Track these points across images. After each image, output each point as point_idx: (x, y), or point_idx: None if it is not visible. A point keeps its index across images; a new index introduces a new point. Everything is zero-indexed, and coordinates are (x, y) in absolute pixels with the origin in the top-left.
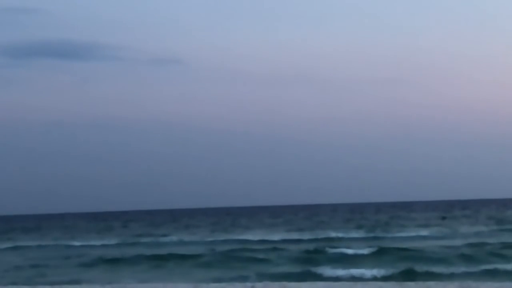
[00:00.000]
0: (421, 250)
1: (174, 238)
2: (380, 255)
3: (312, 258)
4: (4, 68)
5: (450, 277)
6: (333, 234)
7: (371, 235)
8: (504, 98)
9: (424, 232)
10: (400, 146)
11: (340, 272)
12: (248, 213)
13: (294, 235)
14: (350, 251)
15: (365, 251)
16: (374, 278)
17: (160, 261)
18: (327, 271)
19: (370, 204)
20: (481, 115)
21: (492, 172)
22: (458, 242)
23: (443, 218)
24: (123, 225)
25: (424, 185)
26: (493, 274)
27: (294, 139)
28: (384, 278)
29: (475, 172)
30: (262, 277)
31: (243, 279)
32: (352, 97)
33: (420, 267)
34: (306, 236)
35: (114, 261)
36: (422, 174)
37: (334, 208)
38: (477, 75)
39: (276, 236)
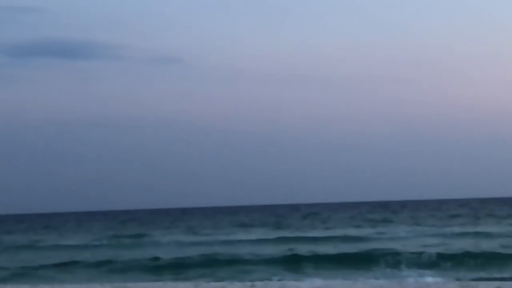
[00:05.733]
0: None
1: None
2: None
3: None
4: (5, 67)
5: None
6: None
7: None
8: (505, 96)
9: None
10: (403, 145)
11: None
12: (247, 212)
13: (282, 234)
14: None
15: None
16: None
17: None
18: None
19: (369, 203)
20: (486, 114)
21: (497, 171)
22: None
23: None
24: (118, 224)
25: (428, 184)
26: None
27: (296, 138)
28: None
29: (479, 171)
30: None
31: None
32: (354, 96)
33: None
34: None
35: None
36: (425, 173)
37: (335, 207)
38: (481, 74)
39: (254, 236)
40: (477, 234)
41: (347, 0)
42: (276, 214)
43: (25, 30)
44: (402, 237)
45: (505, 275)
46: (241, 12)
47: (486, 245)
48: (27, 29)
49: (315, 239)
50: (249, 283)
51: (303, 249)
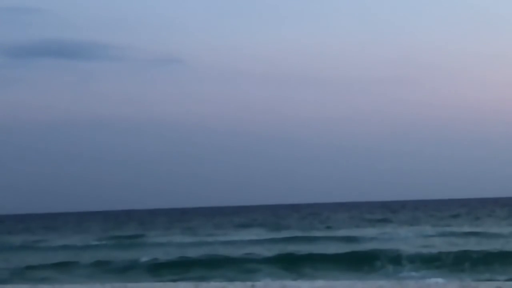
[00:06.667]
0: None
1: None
2: None
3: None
4: (5, 68)
5: None
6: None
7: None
8: (505, 96)
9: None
10: (402, 145)
11: None
12: (247, 212)
13: (274, 235)
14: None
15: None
16: None
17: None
18: None
19: (368, 203)
20: (485, 115)
21: (496, 171)
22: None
23: None
24: (117, 225)
25: (423, 184)
26: None
27: (295, 138)
28: None
29: (479, 171)
30: None
31: None
32: (354, 97)
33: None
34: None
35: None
36: (425, 173)
37: (335, 207)
38: (481, 74)
39: (250, 237)
40: (477, 234)
41: (347, 1)
42: (276, 214)
43: (26, 31)
44: (403, 237)
45: (506, 275)
46: (242, 13)
47: (487, 245)
48: (28, 30)
49: (315, 239)
50: (249, 283)
51: (303, 249)
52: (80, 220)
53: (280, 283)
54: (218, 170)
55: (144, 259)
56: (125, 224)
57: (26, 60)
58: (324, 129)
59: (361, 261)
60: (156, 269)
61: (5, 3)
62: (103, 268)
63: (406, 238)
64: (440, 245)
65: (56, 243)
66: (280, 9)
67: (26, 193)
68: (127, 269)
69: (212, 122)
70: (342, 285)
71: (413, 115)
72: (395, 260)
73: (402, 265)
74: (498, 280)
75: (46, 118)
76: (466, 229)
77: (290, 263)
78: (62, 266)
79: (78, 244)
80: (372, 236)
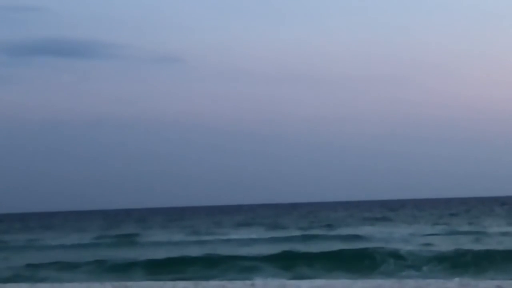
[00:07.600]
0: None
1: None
2: None
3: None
4: (5, 66)
5: None
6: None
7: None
8: (503, 96)
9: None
10: (401, 145)
11: None
12: (246, 211)
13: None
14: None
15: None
16: None
17: None
18: None
19: (368, 202)
20: (480, 114)
21: (491, 170)
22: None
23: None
24: (116, 223)
25: (423, 183)
26: None
27: (295, 138)
28: None
29: (474, 171)
30: None
31: None
32: (353, 96)
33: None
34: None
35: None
36: (425, 173)
37: (334, 206)
38: (476, 73)
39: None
40: (476, 233)
41: (347, 1)
42: (275, 213)
43: (25, 29)
44: (402, 236)
45: (506, 274)
46: (242, 13)
47: (486, 244)
48: (27, 28)
49: (314, 238)
50: (249, 282)
51: (303, 248)
52: (78, 218)
53: (280, 281)
54: (218, 169)
55: (143, 257)
56: (124, 222)
57: (25, 58)
58: (324, 128)
59: (361, 260)
60: (155, 267)
61: (4, 1)
62: (102, 267)
63: (406, 237)
64: (440, 244)
65: (55, 242)
66: (280, 8)
67: (24, 192)
68: (126, 268)
69: (212, 121)
70: (341, 283)
71: (413, 114)
72: (394, 259)
73: (401, 264)
74: (498, 279)
75: (45, 117)
76: (466, 227)
77: (290, 262)
78: (61, 265)
79: (76, 243)
80: (372, 235)
